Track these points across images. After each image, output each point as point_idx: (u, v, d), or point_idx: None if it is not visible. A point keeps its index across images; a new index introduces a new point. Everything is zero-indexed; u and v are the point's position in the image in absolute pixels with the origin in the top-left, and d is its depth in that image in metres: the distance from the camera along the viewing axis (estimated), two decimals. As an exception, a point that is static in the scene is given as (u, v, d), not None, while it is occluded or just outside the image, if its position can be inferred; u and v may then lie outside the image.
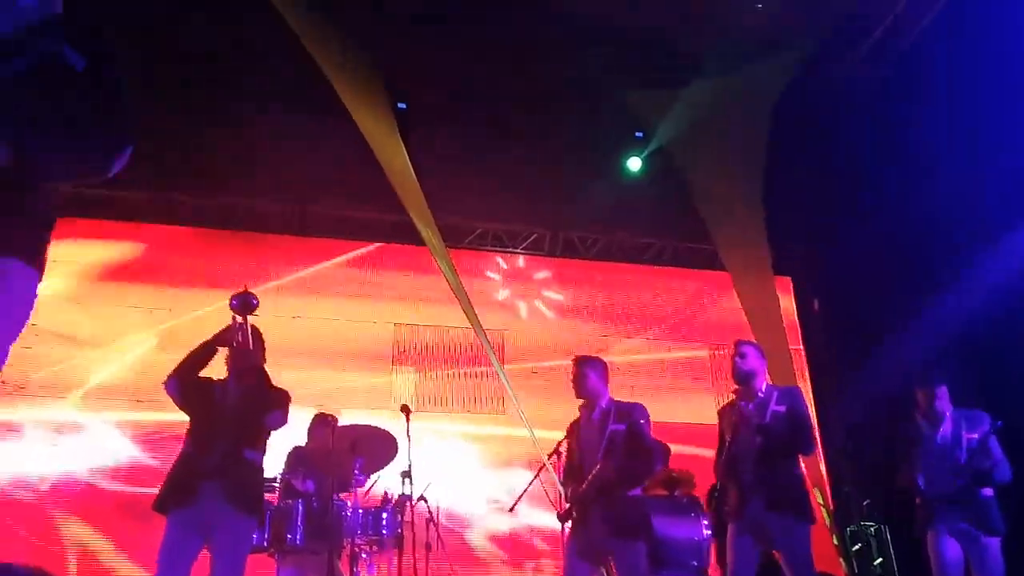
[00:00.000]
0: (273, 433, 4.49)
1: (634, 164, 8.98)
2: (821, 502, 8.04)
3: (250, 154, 8.01)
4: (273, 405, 4.45)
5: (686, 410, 8.20)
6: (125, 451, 7.19)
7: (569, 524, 4.68)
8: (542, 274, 9.07)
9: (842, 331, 8.65)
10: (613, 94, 8.30)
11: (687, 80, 8.05)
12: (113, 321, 7.58)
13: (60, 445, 7.07)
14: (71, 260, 7.61)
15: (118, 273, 7.79)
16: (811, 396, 8.62)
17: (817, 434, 6.48)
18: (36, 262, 2.01)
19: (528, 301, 8.88)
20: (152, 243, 8.00)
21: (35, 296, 2.02)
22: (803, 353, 9.08)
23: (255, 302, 4.30)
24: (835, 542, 8.14)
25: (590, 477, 4.55)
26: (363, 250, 8.57)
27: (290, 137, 8.02)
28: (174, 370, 4.43)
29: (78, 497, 6.94)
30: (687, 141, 8.25)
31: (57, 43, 2.09)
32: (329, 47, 7.69)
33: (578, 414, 4.90)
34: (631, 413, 4.72)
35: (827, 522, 8.07)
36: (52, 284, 7.38)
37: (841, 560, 8.09)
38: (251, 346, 4.38)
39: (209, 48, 7.93)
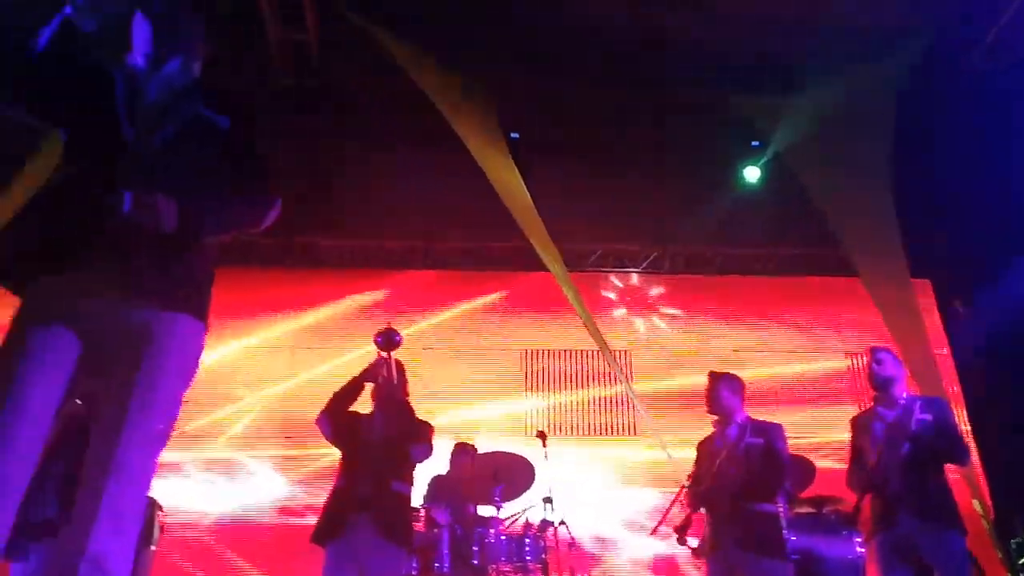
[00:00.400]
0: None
1: (751, 174, 8.80)
2: (981, 512, 7.59)
3: (374, 193, 8.34)
4: (418, 437, 4.59)
5: (826, 423, 7.92)
6: (280, 487, 7.48)
7: (694, 544, 4.64)
8: (663, 291, 8.98)
9: (991, 333, 8.19)
10: (727, 105, 8.20)
11: (803, 84, 7.87)
12: (261, 361, 7.94)
13: (216, 484, 7.41)
14: (223, 305, 8.02)
15: (260, 313, 8.16)
16: (962, 402, 8.20)
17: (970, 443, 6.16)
18: (203, 315, 2.16)
19: (650, 320, 8.79)
20: (292, 285, 8.33)
21: (203, 347, 2.17)
22: (950, 358, 8.63)
23: (398, 338, 4.50)
24: (999, 555, 7.66)
25: (713, 481, 4.51)
26: (487, 279, 8.70)
27: (410, 174, 8.27)
28: (325, 407, 4.63)
29: (239, 532, 7.26)
30: (807, 145, 8.03)
31: (201, 106, 2.27)
32: (442, 83, 7.91)
33: (712, 430, 4.83)
34: (769, 431, 4.63)
35: (989, 533, 7.61)
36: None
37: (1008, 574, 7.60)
38: (396, 380, 4.56)
39: (324, 89, 8.32)
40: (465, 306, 8.49)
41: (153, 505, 5.22)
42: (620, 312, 8.80)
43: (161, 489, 5.33)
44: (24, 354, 1.97)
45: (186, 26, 2.39)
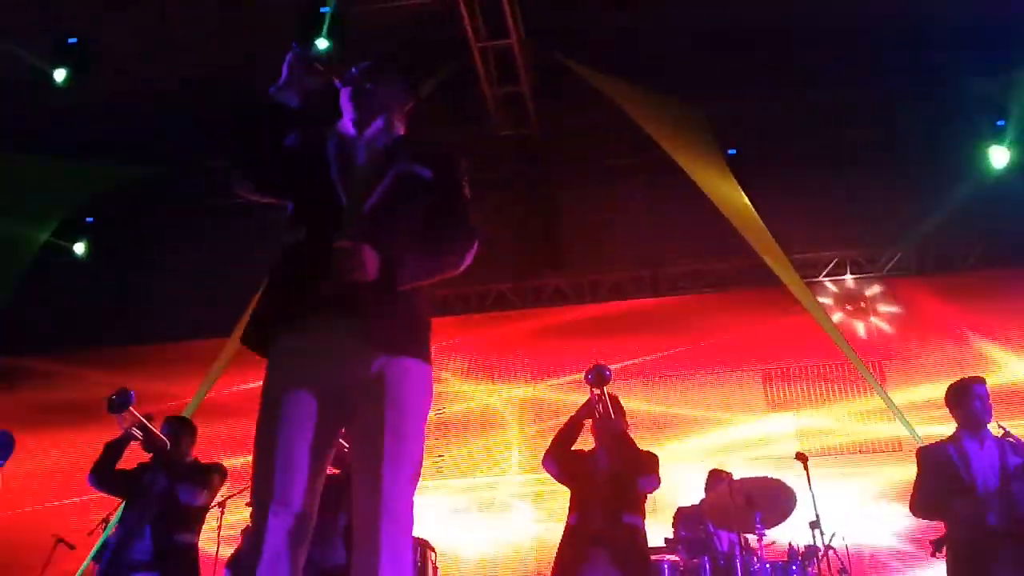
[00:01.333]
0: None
1: (999, 157, 7.97)
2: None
3: (597, 228, 8.49)
4: (645, 469, 4.61)
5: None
6: (534, 523, 7.67)
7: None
8: (908, 294, 8.38)
9: None
10: (959, 86, 7.63)
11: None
12: (486, 400, 8.25)
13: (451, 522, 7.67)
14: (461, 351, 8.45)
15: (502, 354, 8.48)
16: None
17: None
18: (428, 357, 2.30)
19: (900, 325, 8.23)
20: (527, 324, 8.59)
21: (432, 387, 2.29)
22: None
23: (608, 374, 4.60)
24: None
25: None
26: (718, 300, 8.54)
27: (631, 206, 8.35)
28: (549, 449, 4.79)
29: (502, 570, 7.53)
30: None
31: (405, 161, 2.41)
32: (654, 111, 7.95)
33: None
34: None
35: None
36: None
37: None
38: (612, 415, 4.62)
39: (542, 135, 8.62)
40: (698, 329, 8.36)
41: (426, 546, 5.55)
42: (863, 319, 8.31)
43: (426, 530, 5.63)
44: (281, 416, 2.14)
45: (385, 88, 2.52)
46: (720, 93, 8.10)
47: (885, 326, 8.28)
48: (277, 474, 2.10)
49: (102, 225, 9.17)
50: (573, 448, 4.83)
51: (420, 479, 2.21)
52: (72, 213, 8.51)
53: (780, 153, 8.47)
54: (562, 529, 4.72)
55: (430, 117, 8.41)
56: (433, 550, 5.70)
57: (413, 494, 2.15)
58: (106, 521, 5.83)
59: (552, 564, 4.59)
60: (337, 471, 4.86)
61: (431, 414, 7.14)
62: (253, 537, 2.12)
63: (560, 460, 4.76)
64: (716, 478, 5.84)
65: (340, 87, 2.46)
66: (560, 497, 7.42)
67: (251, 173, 2.35)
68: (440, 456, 7.94)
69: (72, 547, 6.08)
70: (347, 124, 2.48)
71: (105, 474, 4.86)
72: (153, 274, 9.17)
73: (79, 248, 8.97)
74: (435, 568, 5.68)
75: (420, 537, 5.29)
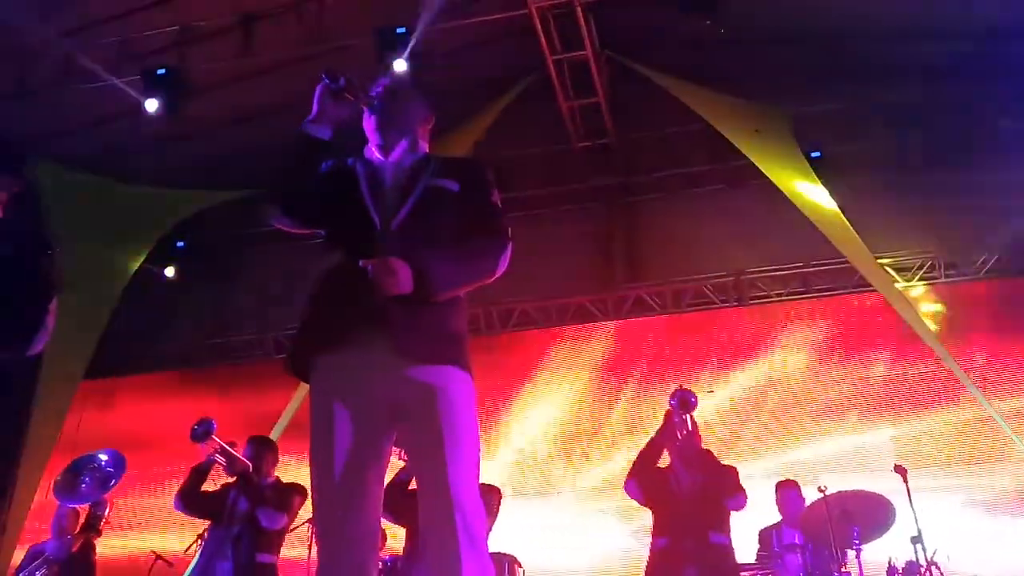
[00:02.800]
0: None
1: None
2: None
3: (679, 237, 8.40)
4: (731, 488, 4.53)
5: None
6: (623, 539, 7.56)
7: None
8: (1008, 297, 7.96)
9: None
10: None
11: None
12: (571, 413, 8.18)
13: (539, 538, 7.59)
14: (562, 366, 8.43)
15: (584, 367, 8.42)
16: None
17: None
18: (468, 366, 2.28)
19: (999, 329, 7.84)
20: (607, 337, 8.47)
21: (475, 395, 2.27)
22: None
23: (693, 400, 4.56)
24: None
25: None
26: (806, 307, 8.30)
27: (714, 213, 8.23)
28: (630, 473, 4.73)
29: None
30: None
31: (431, 177, 2.41)
32: (733, 117, 7.83)
33: None
34: None
35: None
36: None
37: None
38: (692, 437, 4.58)
39: (619, 145, 8.57)
40: (785, 336, 8.14)
41: (513, 562, 5.52)
42: (959, 323, 7.95)
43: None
44: (333, 439, 2.16)
45: (405, 109, 2.53)
46: (801, 95, 7.94)
47: (983, 330, 7.91)
48: (339, 495, 2.14)
49: (192, 248, 9.47)
50: (655, 468, 4.78)
51: (506, 496, 2.19)
52: (163, 237, 8.81)
53: (866, 154, 8.25)
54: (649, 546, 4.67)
55: (508, 132, 8.47)
56: (520, 566, 5.67)
57: (479, 495, 2.16)
58: (202, 538, 5.99)
59: None
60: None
61: (515, 427, 7.12)
62: (325, 559, 2.15)
63: (643, 484, 4.71)
64: (787, 489, 5.75)
65: (366, 114, 2.48)
66: (648, 512, 7.33)
67: (289, 208, 2.39)
68: (526, 471, 7.90)
69: (170, 564, 6.25)
70: (373, 149, 2.51)
71: (190, 498, 5.02)
72: (242, 295, 9.46)
73: (169, 271, 9.27)
74: (522, 585, 5.65)
75: (507, 553, 5.27)
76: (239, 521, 4.82)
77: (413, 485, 4.80)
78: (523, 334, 8.60)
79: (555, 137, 8.77)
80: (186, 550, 6.07)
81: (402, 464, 4.13)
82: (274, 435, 7.17)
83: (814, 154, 8.00)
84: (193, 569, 4.93)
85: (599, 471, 7.80)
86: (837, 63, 7.70)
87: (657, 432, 4.78)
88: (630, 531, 7.42)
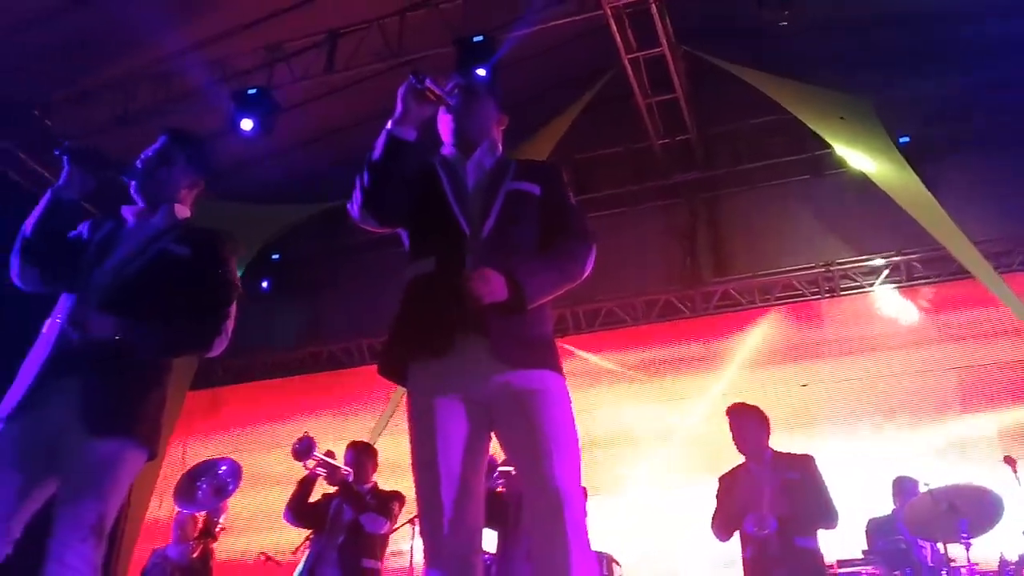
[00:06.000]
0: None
1: None
2: None
3: (764, 230, 8.31)
4: (817, 495, 4.46)
5: None
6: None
7: None
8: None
9: None
10: None
11: None
12: (661, 413, 8.14)
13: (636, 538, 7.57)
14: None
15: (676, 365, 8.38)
16: None
17: None
18: (561, 369, 2.34)
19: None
20: (702, 331, 8.42)
21: (569, 397, 2.32)
22: None
23: None
24: None
25: None
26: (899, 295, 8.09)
27: (799, 204, 8.11)
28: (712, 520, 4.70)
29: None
30: None
31: (514, 180, 2.46)
32: (816, 105, 7.70)
33: None
34: None
35: None
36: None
37: None
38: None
39: (700, 139, 8.51)
40: (882, 328, 7.94)
41: (611, 560, 5.57)
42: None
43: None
44: (435, 444, 2.21)
45: (483, 109, 2.56)
46: (887, 79, 7.75)
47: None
48: (443, 496, 2.18)
49: (286, 261, 9.78)
50: (727, 475, 4.77)
51: (596, 495, 2.23)
52: (259, 251, 9.11)
53: (957, 137, 7.98)
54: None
55: (586, 134, 8.51)
56: (618, 564, 5.71)
57: (582, 493, 2.20)
58: (309, 539, 6.21)
59: None
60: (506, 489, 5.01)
61: (610, 428, 7.10)
62: (431, 559, 2.21)
63: (724, 526, 4.69)
64: (904, 485, 5.58)
65: (443, 114, 2.51)
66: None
67: (377, 208, 2.41)
68: (618, 471, 7.90)
69: (279, 564, 6.49)
70: (451, 149, 2.54)
71: (298, 511, 5.23)
72: (335, 304, 9.75)
73: (265, 284, 9.60)
74: (619, 582, 5.69)
75: (605, 552, 5.32)
76: (343, 529, 5.00)
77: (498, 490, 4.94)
78: (609, 333, 8.61)
79: (634, 135, 8.76)
80: (294, 551, 6.32)
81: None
82: (371, 439, 7.38)
83: (902, 139, 7.79)
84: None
85: (691, 471, 7.74)
86: (924, 44, 7.48)
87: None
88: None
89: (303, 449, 4.99)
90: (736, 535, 4.61)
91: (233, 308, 2.68)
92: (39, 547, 2.31)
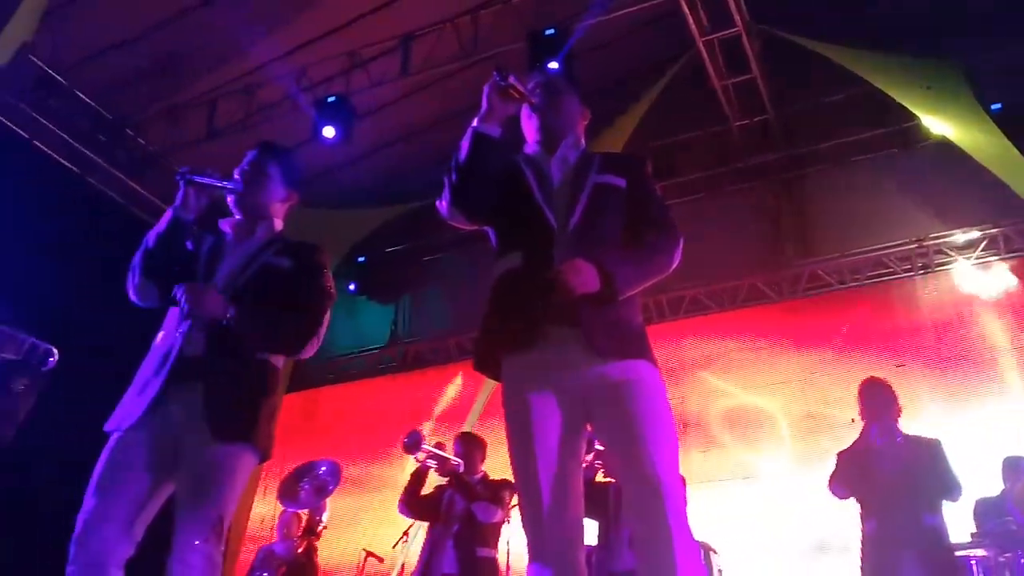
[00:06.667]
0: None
1: None
2: None
3: (848, 209, 8.11)
4: (943, 471, 4.37)
5: None
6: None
7: None
8: None
9: None
10: None
11: None
12: (753, 399, 8.01)
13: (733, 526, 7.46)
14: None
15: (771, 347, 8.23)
16: None
17: None
18: (655, 359, 2.33)
19: None
20: (795, 313, 8.24)
21: (665, 387, 2.33)
22: None
23: None
24: None
25: None
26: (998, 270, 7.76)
27: (882, 179, 7.89)
28: (832, 477, 4.61)
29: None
30: None
31: (599, 173, 2.47)
32: (899, 75, 7.48)
33: None
34: None
35: None
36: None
37: None
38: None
39: (778, 119, 8.35)
40: (981, 303, 7.62)
41: (708, 549, 5.53)
42: None
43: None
44: (532, 437, 2.23)
45: (566, 105, 2.58)
46: (974, 45, 7.45)
47: None
48: (542, 488, 2.20)
49: (372, 262, 9.99)
50: (848, 450, 4.69)
51: (694, 483, 2.21)
52: (346, 254, 9.34)
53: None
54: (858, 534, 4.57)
55: (663, 120, 8.44)
56: (716, 552, 5.66)
57: (681, 482, 2.24)
58: (407, 534, 6.35)
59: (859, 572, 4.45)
60: (613, 480, 5.01)
61: (704, 414, 6.99)
62: (535, 552, 2.23)
63: (844, 482, 4.63)
64: (1015, 465, 5.40)
65: (527, 112, 2.54)
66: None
67: (465, 204, 2.43)
68: (712, 458, 7.81)
69: (380, 560, 6.64)
70: (535, 146, 2.56)
71: (412, 503, 5.33)
72: (422, 303, 9.92)
73: (352, 287, 9.82)
74: (719, 573, 5.64)
75: (702, 541, 5.28)
76: (456, 519, 5.08)
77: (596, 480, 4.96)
78: (693, 320, 8.51)
79: (711, 119, 8.64)
80: (393, 546, 6.47)
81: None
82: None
83: (994, 107, 7.48)
84: (416, 569, 5.24)
85: (791, 455, 7.61)
86: (1017, 7, 7.15)
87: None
88: (823, 519, 7.11)
89: (412, 443, 5.08)
90: (857, 509, 4.56)
91: (327, 315, 2.78)
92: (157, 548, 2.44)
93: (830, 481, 4.68)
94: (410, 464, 5.63)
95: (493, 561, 5.10)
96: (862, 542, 4.48)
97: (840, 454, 4.76)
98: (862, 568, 4.43)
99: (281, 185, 2.90)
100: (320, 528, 6.00)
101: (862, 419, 4.70)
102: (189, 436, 2.51)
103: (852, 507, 4.69)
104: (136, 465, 2.51)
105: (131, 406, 2.57)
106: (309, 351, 2.74)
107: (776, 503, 7.35)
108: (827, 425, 7.33)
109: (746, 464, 7.72)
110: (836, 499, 4.69)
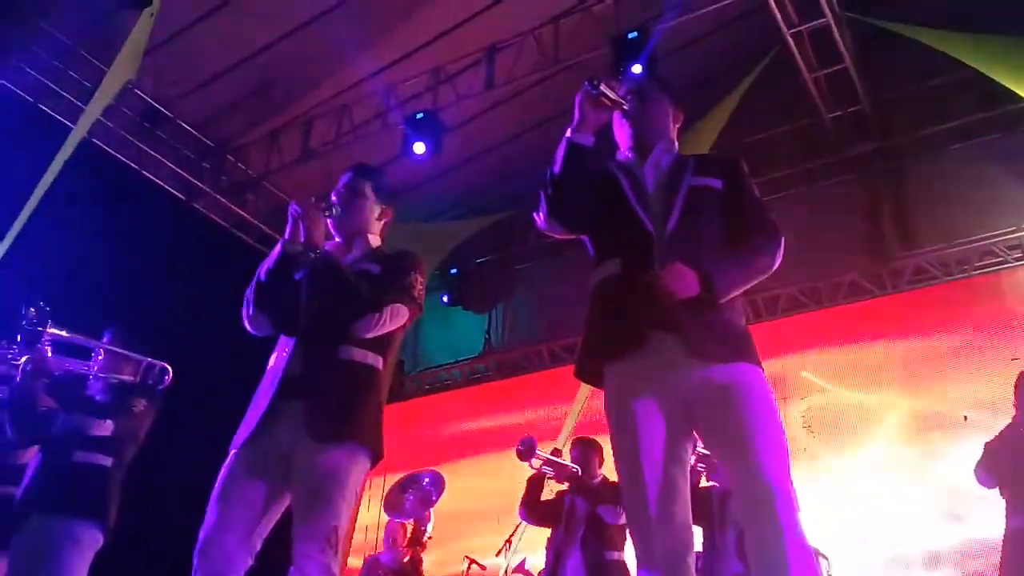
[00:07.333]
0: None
1: None
2: None
3: (951, 194, 7.81)
4: None
5: None
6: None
7: None
8: None
9: None
10: None
11: None
12: (857, 399, 7.74)
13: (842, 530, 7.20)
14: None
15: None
16: None
17: None
18: (759, 361, 2.31)
19: None
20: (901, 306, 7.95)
21: (769, 388, 2.29)
22: None
23: None
24: None
25: None
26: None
27: (988, 162, 7.57)
28: (981, 461, 4.52)
29: None
30: None
31: (694, 176, 2.46)
32: (1004, 55, 7.16)
33: None
34: None
35: None
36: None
37: None
38: None
39: (873, 109, 8.11)
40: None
41: (817, 555, 5.38)
42: None
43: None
44: (637, 443, 2.23)
45: (657, 109, 2.57)
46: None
47: None
48: (649, 495, 2.20)
49: (464, 273, 10.10)
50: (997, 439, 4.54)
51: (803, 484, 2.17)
52: (438, 266, 9.48)
53: None
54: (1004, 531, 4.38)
55: (753, 116, 8.28)
56: (825, 558, 5.51)
57: (792, 485, 2.14)
58: (509, 542, 6.38)
59: (999, 568, 4.26)
60: (716, 483, 4.93)
61: (807, 417, 6.80)
62: (642, 559, 2.23)
63: (993, 468, 4.46)
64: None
65: (618, 119, 2.53)
66: (957, 497, 6.67)
67: (561, 213, 2.45)
68: (817, 461, 7.57)
69: (483, 568, 6.68)
70: (628, 152, 2.55)
71: (533, 509, 5.36)
72: (514, 312, 9.99)
73: (445, 299, 9.95)
74: (833, 581, 5.48)
75: (815, 546, 5.14)
76: (581, 522, 5.07)
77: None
78: (790, 320, 8.30)
79: (802, 112, 8.42)
80: (497, 553, 6.52)
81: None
82: (559, 441, 7.49)
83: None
84: (542, 573, 5.26)
85: (898, 456, 7.31)
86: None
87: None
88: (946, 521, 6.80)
89: (526, 450, 5.09)
90: (1004, 502, 4.40)
91: (402, 310, 2.76)
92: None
93: (977, 468, 4.53)
94: (507, 470, 5.66)
95: (622, 564, 5.04)
96: (1006, 538, 4.26)
97: (988, 443, 4.60)
98: (1004, 566, 4.22)
99: (375, 203, 2.97)
100: (425, 538, 6.09)
101: (1015, 410, 4.54)
102: (298, 447, 2.59)
103: (969, 513, 4.53)
104: (251, 478, 2.61)
105: (247, 425, 2.67)
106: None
107: (884, 507, 7.07)
108: (937, 424, 7.03)
109: (849, 466, 7.47)
110: (983, 487, 4.53)
